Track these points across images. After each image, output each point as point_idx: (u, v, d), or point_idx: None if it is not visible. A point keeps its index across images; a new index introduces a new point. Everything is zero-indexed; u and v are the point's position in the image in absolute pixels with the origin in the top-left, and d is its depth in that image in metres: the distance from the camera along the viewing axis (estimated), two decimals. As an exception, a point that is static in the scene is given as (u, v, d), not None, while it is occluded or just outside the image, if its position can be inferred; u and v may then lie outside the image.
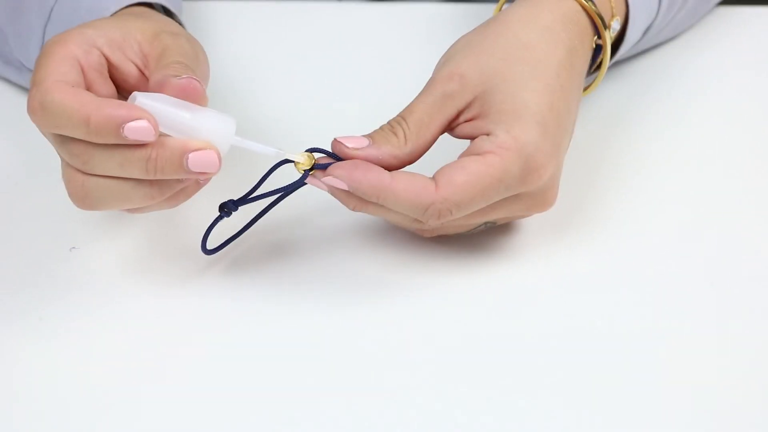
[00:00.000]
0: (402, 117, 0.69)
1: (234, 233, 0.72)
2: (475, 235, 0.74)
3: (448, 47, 0.72)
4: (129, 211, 0.68)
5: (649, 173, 0.80)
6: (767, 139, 0.84)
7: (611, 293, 0.72)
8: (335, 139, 0.69)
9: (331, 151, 0.69)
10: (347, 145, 0.68)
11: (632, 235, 0.76)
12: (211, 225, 0.70)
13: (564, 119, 0.70)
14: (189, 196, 0.68)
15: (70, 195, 0.66)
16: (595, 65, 0.76)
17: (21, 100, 0.85)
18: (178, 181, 0.66)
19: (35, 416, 0.65)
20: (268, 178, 0.70)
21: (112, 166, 0.64)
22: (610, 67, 0.86)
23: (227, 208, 0.70)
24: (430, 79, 0.70)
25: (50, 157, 0.80)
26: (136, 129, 0.63)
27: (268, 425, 0.65)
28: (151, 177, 0.64)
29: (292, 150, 0.68)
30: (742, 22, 0.94)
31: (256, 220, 0.72)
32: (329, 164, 0.68)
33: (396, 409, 0.65)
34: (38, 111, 0.64)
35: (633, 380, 0.67)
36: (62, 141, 0.65)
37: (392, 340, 0.69)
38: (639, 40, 0.84)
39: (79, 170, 0.65)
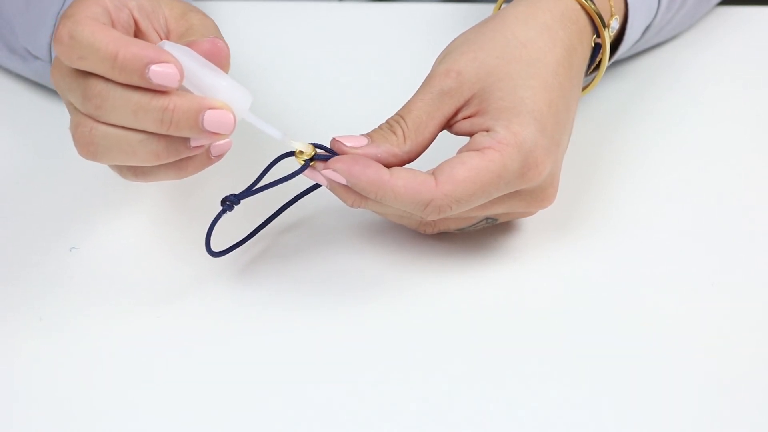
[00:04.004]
0: (400, 116, 0.69)
1: (239, 239, 0.72)
2: (475, 233, 0.74)
3: (447, 47, 0.73)
4: (131, 172, 0.67)
5: (649, 173, 0.80)
6: (767, 139, 0.84)
7: (611, 292, 0.72)
8: (334, 139, 0.69)
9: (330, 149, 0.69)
10: (346, 144, 0.68)
11: (632, 234, 0.76)
12: (213, 221, 0.70)
13: (562, 117, 0.70)
14: (198, 169, 0.67)
15: (76, 142, 0.64)
16: (594, 64, 0.76)
17: (21, 100, 0.85)
18: (187, 145, 0.64)
19: (35, 416, 0.65)
20: (267, 174, 0.70)
21: (126, 114, 0.63)
22: (610, 67, 0.86)
23: (229, 202, 0.69)
24: (427, 76, 0.70)
25: (51, 157, 0.80)
26: (162, 73, 0.62)
27: (270, 426, 0.65)
28: (164, 130, 0.63)
29: (295, 140, 0.68)
30: (742, 22, 0.94)
31: (266, 225, 0.72)
32: (330, 157, 0.68)
33: (398, 408, 0.65)
34: (66, 41, 0.62)
35: (633, 379, 0.67)
36: (79, 82, 0.63)
37: (394, 340, 0.69)
38: (638, 40, 0.84)
39: (89, 116, 0.64)
